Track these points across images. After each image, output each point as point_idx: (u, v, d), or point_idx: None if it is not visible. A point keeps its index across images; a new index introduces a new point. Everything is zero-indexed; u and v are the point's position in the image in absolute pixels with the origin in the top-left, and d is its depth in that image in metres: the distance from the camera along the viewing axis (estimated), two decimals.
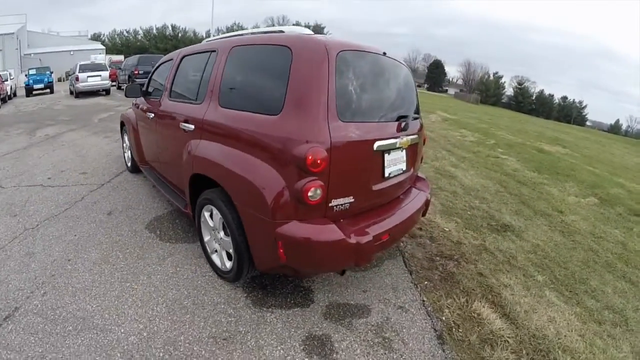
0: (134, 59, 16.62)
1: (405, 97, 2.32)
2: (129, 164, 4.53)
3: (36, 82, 16.35)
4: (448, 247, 2.97)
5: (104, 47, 39.50)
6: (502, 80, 67.60)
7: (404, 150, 2.16)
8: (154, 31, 61.04)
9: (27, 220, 3.17)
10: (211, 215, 2.21)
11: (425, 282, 2.44)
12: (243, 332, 1.87)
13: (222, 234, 2.12)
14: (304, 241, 1.64)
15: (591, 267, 2.99)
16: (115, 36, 61.63)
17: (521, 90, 66.54)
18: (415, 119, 2.37)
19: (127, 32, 62.42)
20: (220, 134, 2.07)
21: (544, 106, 64.59)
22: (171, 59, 3.23)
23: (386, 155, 1.98)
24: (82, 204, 3.53)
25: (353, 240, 1.67)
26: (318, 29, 61.23)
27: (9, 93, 14.87)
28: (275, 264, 1.79)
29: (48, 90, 16.77)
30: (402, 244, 2.95)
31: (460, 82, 76.02)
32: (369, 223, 1.85)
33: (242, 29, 60.92)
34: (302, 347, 1.77)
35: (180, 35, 60.35)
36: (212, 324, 1.92)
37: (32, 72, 17.32)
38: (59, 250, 2.63)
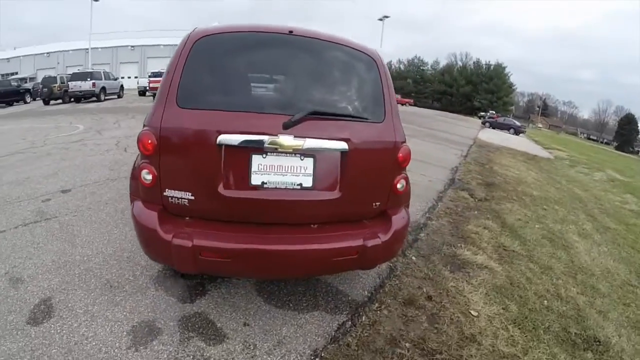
0: None
1: (326, 87, 1.95)
2: None
3: None
4: (446, 338, 2.06)
5: None
6: None
7: (308, 159, 1.76)
8: None
9: (114, 174, 4.55)
10: None
11: None
12: (125, 289, 2.20)
13: None
14: (134, 219, 1.78)
15: None
16: None
17: None
18: (360, 119, 1.89)
19: None
20: None
21: None
22: None
23: (254, 157, 1.71)
24: None
25: (166, 236, 1.63)
26: (499, 69, 58.43)
27: None
28: None
29: None
30: (382, 306, 2.27)
31: None
32: (210, 232, 1.70)
33: (423, 62, 65.39)
34: (134, 325, 1.92)
35: None
36: (119, 275, 2.36)
37: None
38: (107, 197, 3.75)
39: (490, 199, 5.43)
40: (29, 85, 21.08)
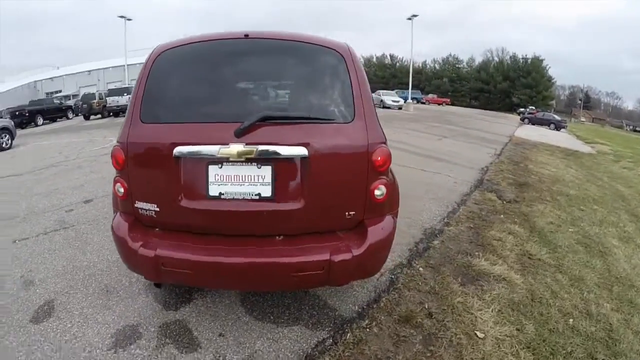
0: None
1: (286, 89, 1.99)
2: None
3: None
4: None
5: None
6: None
7: (265, 167, 1.69)
8: (374, 60, 70.09)
9: None
10: None
11: None
12: (119, 294, 2.37)
13: None
14: (112, 229, 1.89)
15: None
16: None
17: None
18: (323, 120, 1.76)
19: None
20: None
21: None
22: None
23: (211, 168, 1.70)
24: None
25: (134, 246, 1.72)
26: (536, 62, 55.91)
27: None
28: None
29: None
30: (372, 324, 2.12)
31: None
32: (173, 243, 1.74)
33: (458, 60, 64.52)
34: (119, 328, 2.05)
35: (397, 64, 67.16)
36: (117, 280, 2.53)
37: None
38: None
39: (520, 201, 5.10)
40: (71, 102, 22.82)
